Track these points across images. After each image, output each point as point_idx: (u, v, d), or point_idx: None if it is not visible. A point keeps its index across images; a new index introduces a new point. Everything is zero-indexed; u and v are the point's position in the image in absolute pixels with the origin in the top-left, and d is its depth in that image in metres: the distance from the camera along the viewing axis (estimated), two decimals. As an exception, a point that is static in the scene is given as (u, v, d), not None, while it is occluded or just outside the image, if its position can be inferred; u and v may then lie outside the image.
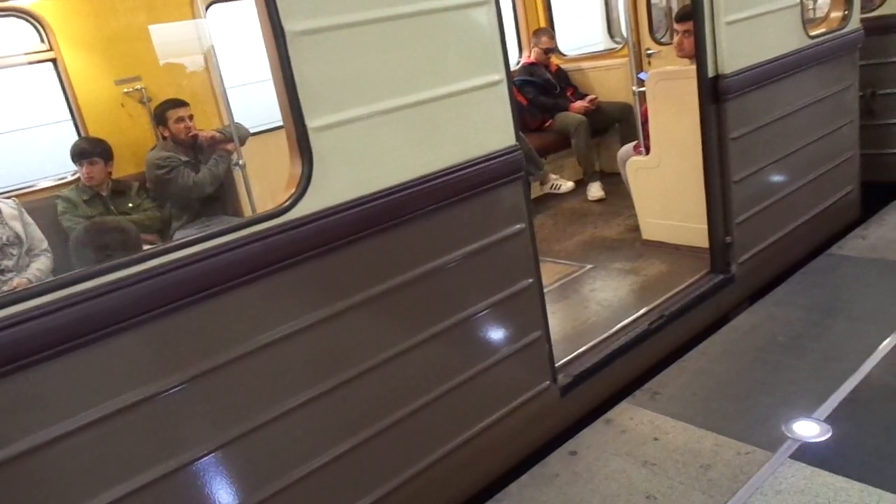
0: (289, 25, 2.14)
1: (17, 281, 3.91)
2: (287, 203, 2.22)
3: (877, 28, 4.98)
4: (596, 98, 6.15)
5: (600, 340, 3.52)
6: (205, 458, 2.19)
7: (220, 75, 4.74)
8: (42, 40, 4.51)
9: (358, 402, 2.52)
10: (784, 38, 4.10)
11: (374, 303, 2.51)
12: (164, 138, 4.57)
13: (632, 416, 3.20)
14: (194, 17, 4.86)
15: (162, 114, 4.54)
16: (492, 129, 2.74)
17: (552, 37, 6.54)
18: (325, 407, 2.43)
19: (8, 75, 4.83)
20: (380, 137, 2.42)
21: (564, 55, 6.90)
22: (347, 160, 2.34)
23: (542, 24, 6.86)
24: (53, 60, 4.54)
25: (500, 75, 2.73)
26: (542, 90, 6.16)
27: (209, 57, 4.81)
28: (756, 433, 2.93)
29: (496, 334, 2.95)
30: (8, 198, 4.17)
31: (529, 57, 6.47)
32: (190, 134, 4.52)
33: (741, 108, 3.85)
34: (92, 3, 4.58)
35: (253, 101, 5.57)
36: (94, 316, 1.94)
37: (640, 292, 4.10)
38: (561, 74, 6.48)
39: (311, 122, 2.23)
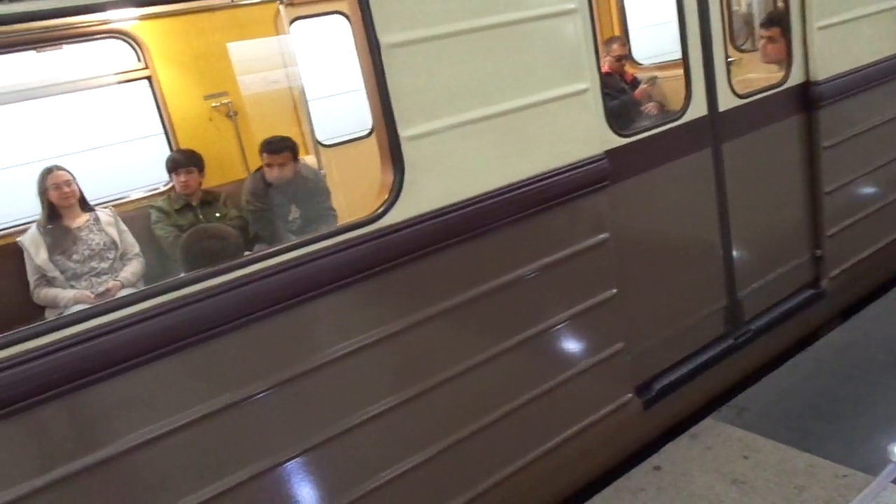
0: (384, 38, 2.20)
1: (112, 283, 4.12)
2: (379, 210, 2.27)
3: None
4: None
5: (685, 354, 3.43)
6: (293, 461, 2.24)
7: (303, 88, 4.89)
8: (139, 59, 4.76)
9: (441, 409, 2.53)
10: (880, 43, 3.92)
11: (460, 311, 2.53)
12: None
13: (718, 433, 3.09)
14: (278, 33, 5.04)
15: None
16: (577, 138, 2.73)
17: (623, 44, 6.44)
18: (409, 413, 2.46)
19: (105, 93, 5.08)
20: (468, 146, 2.44)
21: (640, 64, 6.79)
22: (437, 169, 2.38)
23: (617, 32, 6.78)
24: (149, 78, 4.78)
25: (587, 84, 2.71)
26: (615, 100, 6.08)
27: (291, 71, 4.97)
28: (854, 455, 2.79)
29: (578, 345, 2.91)
30: (105, 207, 4.41)
31: (604, 67, 6.40)
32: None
33: (834, 115, 3.70)
34: (184, 22, 4.81)
35: (327, 114, 5.72)
36: (196, 319, 2.03)
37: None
38: (637, 84, 6.38)
39: (404, 132, 2.27)
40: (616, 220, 2.93)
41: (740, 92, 3.43)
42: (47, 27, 4.07)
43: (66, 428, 1.90)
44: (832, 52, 3.63)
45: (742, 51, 5.99)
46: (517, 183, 2.55)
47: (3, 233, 4.25)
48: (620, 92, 6.19)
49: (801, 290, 3.90)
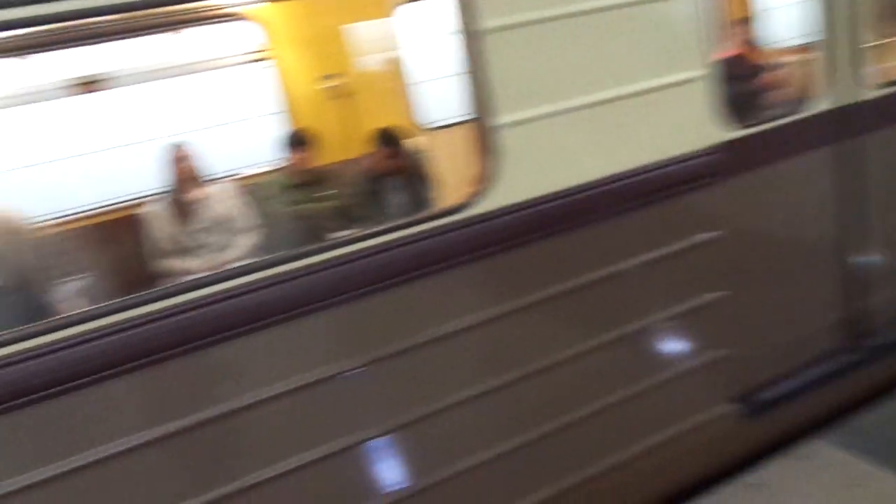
0: (482, 22, 2.15)
1: (226, 258, 4.36)
2: (469, 199, 2.24)
3: None
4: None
5: (795, 367, 3.18)
6: (379, 439, 2.29)
7: (408, 72, 4.94)
8: (261, 41, 4.96)
9: (526, 401, 2.50)
10: None
11: (549, 304, 2.47)
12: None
13: (825, 456, 2.86)
14: (389, 16, 5.11)
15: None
16: (685, 130, 2.58)
17: (751, 28, 6.02)
18: (493, 403, 2.44)
19: (230, 74, 5.34)
20: (565, 135, 2.36)
21: (766, 48, 6.33)
22: (531, 158, 2.32)
23: (744, 13, 6.34)
24: (269, 59, 4.99)
25: (699, 72, 2.55)
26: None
27: (399, 54, 5.03)
28: None
29: (675, 347, 2.78)
30: (224, 181, 4.66)
31: (730, 50, 6.01)
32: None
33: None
34: (304, 5, 4.97)
35: (432, 97, 5.74)
36: (291, 296, 2.10)
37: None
38: (765, 69, 5.95)
39: (498, 119, 2.23)
40: (728, 217, 2.75)
41: (882, 80, 3.10)
42: (182, 10, 4.33)
43: (178, 387, 2.04)
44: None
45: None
46: (617, 175, 2.45)
47: (131, 204, 4.59)
48: (746, 78, 5.80)
49: None
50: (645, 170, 2.50)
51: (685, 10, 2.49)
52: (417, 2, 5.13)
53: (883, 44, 5.51)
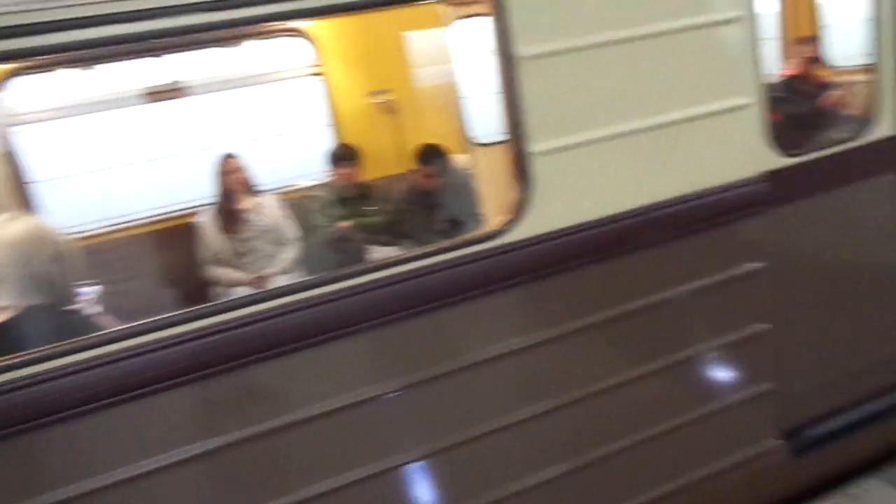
0: (520, 50, 2.13)
1: (269, 271, 4.44)
2: (503, 226, 2.22)
3: None
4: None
5: (851, 402, 3.03)
6: (413, 464, 2.27)
7: (459, 88, 4.94)
8: (311, 56, 5.05)
9: (564, 430, 2.45)
10: None
11: (588, 332, 2.42)
12: None
13: (881, 497, 2.72)
14: (439, 33, 5.12)
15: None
16: (731, 158, 2.50)
17: (816, 47, 5.81)
18: (531, 431, 2.40)
19: (280, 88, 5.45)
20: (605, 163, 2.32)
21: (834, 67, 6.09)
22: (568, 186, 2.28)
23: (810, 32, 6.11)
24: (320, 74, 5.07)
25: (746, 99, 2.46)
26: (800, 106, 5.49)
27: (450, 68, 5.03)
28: None
29: (719, 379, 2.69)
30: (270, 193, 4.75)
31: (792, 69, 5.81)
32: None
33: None
34: (354, 22, 5.03)
35: (486, 112, 5.71)
36: (327, 319, 2.10)
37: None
38: (822, 89, 5.72)
39: (534, 147, 2.20)
40: (778, 248, 2.65)
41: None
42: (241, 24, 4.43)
43: (218, 405, 2.05)
44: None
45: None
46: (659, 203, 2.39)
47: (184, 213, 4.72)
48: (805, 98, 5.60)
49: None
50: (686, 199, 2.43)
51: (736, 35, 2.41)
52: (472, 18, 5.12)
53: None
